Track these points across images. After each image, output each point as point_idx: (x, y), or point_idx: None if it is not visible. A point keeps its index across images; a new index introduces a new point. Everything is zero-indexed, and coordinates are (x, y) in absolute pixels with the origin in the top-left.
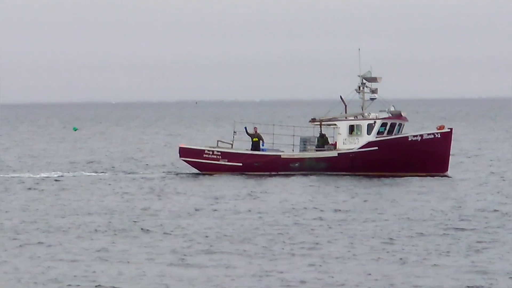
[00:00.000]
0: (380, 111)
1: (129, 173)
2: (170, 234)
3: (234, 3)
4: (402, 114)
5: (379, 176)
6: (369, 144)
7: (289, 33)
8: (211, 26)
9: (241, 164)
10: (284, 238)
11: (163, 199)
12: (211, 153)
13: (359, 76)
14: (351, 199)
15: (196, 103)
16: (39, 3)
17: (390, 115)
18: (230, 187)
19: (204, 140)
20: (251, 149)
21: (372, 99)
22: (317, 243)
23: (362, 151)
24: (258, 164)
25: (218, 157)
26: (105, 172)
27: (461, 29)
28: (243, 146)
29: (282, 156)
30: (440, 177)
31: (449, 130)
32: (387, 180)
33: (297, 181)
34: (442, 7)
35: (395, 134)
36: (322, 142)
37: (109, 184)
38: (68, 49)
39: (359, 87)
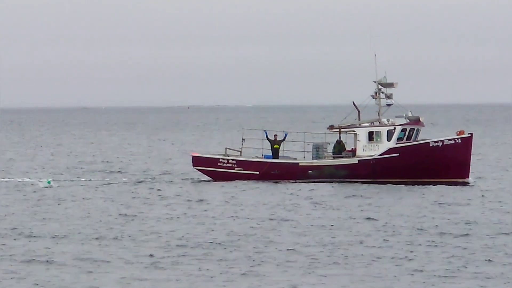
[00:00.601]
0: (397, 116)
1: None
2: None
3: (234, 4)
4: (421, 119)
5: (400, 183)
6: (390, 151)
7: (288, 37)
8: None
9: (257, 173)
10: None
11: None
12: (226, 161)
13: (374, 82)
14: (378, 211)
15: (189, 108)
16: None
17: (408, 120)
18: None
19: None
20: (272, 156)
21: (388, 104)
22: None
23: (383, 157)
24: (275, 172)
25: (233, 165)
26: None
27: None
28: (252, 153)
29: (300, 164)
30: (461, 184)
31: (469, 135)
32: (409, 187)
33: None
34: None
35: (413, 140)
36: (339, 148)
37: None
38: (59, 54)
39: (376, 93)
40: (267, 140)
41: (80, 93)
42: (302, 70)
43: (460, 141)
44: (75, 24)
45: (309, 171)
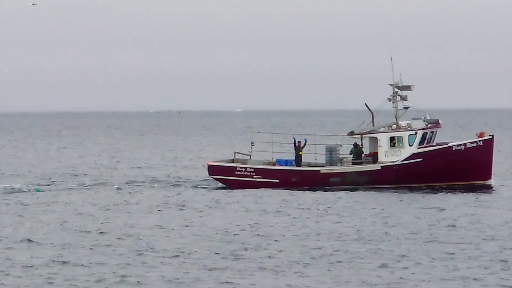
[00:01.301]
0: (413, 118)
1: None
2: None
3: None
4: (440, 122)
5: (423, 188)
6: (414, 156)
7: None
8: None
9: (277, 181)
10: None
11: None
12: (243, 169)
13: (391, 85)
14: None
15: (179, 112)
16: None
17: (427, 123)
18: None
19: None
20: (296, 163)
21: (406, 107)
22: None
23: (407, 163)
24: (295, 180)
25: (251, 173)
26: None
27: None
28: (262, 157)
29: (321, 171)
30: (484, 186)
31: (490, 137)
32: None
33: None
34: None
35: (431, 142)
36: (356, 151)
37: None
38: (53, 60)
39: (393, 96)
40: (293, 146)
41: (64, 98)
42: (299, 75)
43: (482, 143)
44: (55, 29)
45: (331, 178)
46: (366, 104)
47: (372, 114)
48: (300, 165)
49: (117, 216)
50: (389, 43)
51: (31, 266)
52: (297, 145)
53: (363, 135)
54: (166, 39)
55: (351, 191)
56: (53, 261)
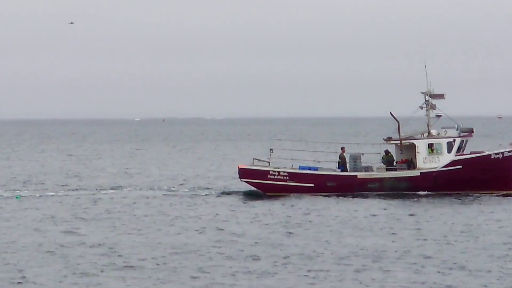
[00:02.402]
0: (443, 128)
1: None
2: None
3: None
4: (473, 130)
5: (461, 195)
6: (453, 163)
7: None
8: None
9: (312, 185)
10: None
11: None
12: (277, 173)
13: (422, 93)
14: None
15: (164, 120)
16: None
17: (461, 132)
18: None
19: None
20: (340, 169)
21: (438, 116)
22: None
23: (446, 170)
24: (331, 185)
25: (285, 177)
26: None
27: None
28: (281, 164)
29: (358, 176)
30: None
31: None
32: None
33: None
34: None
35: (463, 151)
36: (387, 159)
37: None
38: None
39: (425, 104)
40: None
41: (47, 105)
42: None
43: None
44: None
45: (369, 184)
46: (391, 113)
47: (398, 122)
48: (346, 170)
49: None
50: (422, 50)
51: None
52: (341, 151)
53: (403, 141)
54: (147, 46)
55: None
56: None
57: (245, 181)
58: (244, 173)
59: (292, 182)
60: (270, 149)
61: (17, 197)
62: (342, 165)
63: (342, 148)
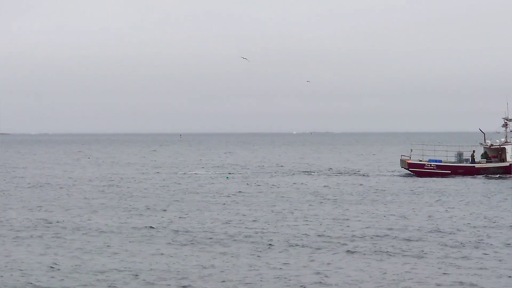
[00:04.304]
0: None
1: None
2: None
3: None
4: None
5: None
6: None
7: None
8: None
9: (450, 172)
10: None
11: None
12: (429, 165)
13: (503, 118)
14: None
15: (180, 136)
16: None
17: None
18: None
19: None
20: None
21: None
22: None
23: None
24: (461, 171)
25: (434, 168)
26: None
27: None
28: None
29: (476, 166)
30: None
31: None
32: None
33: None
34: None
35: None
36: (485, 156)
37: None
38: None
39: (505, 124)
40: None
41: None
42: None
43: None
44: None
45: (481, 171)
46: (480, 129)
47: (484, 135)
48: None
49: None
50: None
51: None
52: (472, 152)
53: (494, 146)
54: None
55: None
56: None
57: (411, 170)
58: (410, 165)
59: (438, 170)
60: (411, 150)
61: (226, 177)
62: (472, 160)
63: (473, 151)
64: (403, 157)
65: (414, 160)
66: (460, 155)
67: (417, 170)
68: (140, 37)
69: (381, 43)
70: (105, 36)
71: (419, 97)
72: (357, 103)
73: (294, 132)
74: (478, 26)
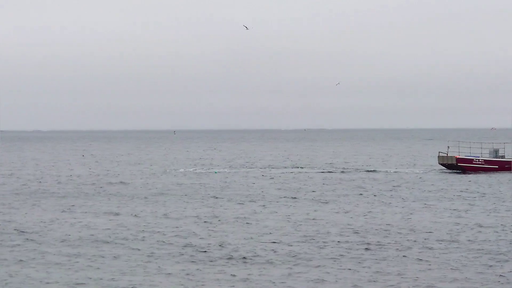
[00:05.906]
0: None
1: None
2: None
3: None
4: None
5: None
6: None
7: None
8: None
9: (497, 167)
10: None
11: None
12: (477, 161)
13: None
14: None
15: (174, 132)
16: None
17: None
18: None
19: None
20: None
21: None
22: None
23: None
24: (508, 166)
25: (482, 163)
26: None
27: None
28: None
29: None
30: None
31: None
32: None
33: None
34: None
35: None
36: None
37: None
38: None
39: None
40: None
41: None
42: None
43: None
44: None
45: None
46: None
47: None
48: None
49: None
50: None
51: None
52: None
53: None
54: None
55: None
56: None
57: (460, 165)
58: (459, 160)
59: (486, 165)
60: (448, 146)
61: (215, 172)
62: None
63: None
64: (441, 154)
65: (462, 155)
66: (496, 151)
67: (466, 165)
68: (136, 36)
69: (377, 41)
70: (99, 35)
71: (416, 94)
72: (353, 100)
73: (287, 129)
74: (479, 26)
